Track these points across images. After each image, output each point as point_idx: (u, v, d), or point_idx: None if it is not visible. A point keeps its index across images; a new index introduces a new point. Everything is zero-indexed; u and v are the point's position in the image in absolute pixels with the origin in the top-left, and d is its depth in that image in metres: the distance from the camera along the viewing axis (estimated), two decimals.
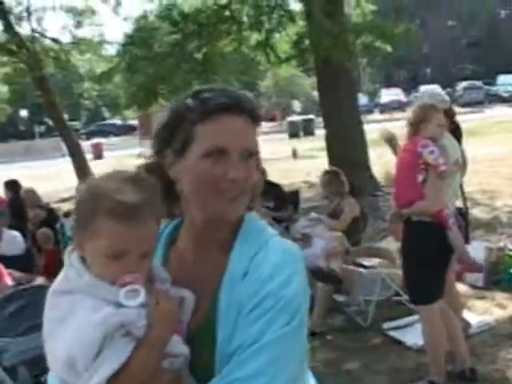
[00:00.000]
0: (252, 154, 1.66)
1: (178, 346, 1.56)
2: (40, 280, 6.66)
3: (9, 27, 20.98)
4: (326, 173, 7.88)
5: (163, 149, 1.70)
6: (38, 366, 3.55)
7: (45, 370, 3.50)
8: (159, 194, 1.62)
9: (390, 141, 5.69)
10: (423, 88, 44.92)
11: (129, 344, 1.46)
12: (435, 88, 38.42)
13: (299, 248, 1.71)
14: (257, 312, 1.56)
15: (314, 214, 7.84)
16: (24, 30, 22.57)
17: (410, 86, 60.65)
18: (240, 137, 1.63)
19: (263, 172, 6.68)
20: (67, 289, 1.54)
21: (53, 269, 8.11)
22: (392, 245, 7.13)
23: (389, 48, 16.56)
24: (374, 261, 7.08)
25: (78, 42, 24.84)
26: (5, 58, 22.74)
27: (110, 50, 30.99)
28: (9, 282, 6.10)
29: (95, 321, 1.44)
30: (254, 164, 1.68)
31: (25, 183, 11.70)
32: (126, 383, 1.45)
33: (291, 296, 1.57)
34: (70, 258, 1.59)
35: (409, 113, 5.13)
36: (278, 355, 1.53)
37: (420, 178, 4.83)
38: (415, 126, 4.93)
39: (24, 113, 56.13)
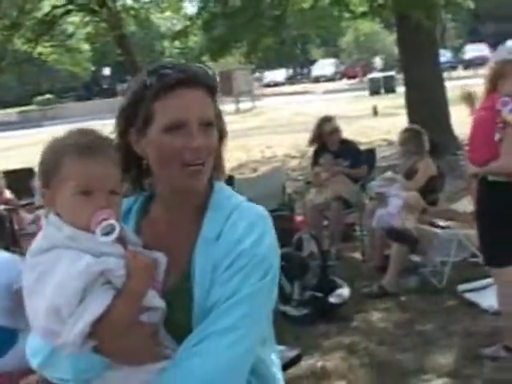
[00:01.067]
0: (210, 123, 1.72)
1: (155, 300, 1.64)
2: None
3: None
4: (406, 130, 7.73)
5: (128, 128, 1.76)
6: None
7: None
8: (113, 145, 1.72)
9: (468, 99, 5.50)
10: (510, 42, 43.42)
11: (109, 292, 1.55)
12: None
13: (265, 210, 1.79)
14: (232, 270, 1.65)
15: (389, 174, 7.73)
16: None
17: (496, 41, 58.70)
18: (197, 108, 1.70)
19: (336, 129, 6.54)
20: (46, 247, 1.60)
21: None
22: (471, 205, 6.96)
23: (470, 4, 16.07)
24: (451, 222, 6.94)
25: (157, 0, 24.99)
26: (87, 18, 23.12)
27: (190, 9, 30.95)
28: None
29: (77, 269, 1.52)
30: (213, 133, 1.74)
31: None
32: (107, 329, 1.55)
33: (264, 254, 1.67)
34: (48, 219, 1.67)
35: (486, 68, 4.95)
36: (252, 310, 1.63)
37: (497, 136, 4.65)
38: (492, 83, 4.73)
39: (106, 71, 57.11)
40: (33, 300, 1.60)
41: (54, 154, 1.66)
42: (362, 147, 10.12)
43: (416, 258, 7.05)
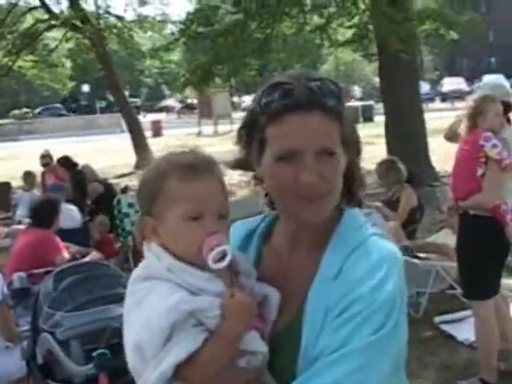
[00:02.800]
0: (332, 152, 1.51)
1: (256, 343, 1.49)
2: (94, 254, 6.75)
3: (75, 3, 21.26)
4: (383, 163, 7.79)
5: (248, 148, 1.62)
6: (90, 341, 3.60)
7: (97, 346, 3.56)
8: (218, 165, 1.59)
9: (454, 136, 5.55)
10: (486, 77, 44.03)
11: (200, 334, 1.42)
12: (498, 77, 37.57)
13: (398, 249, 1.57)
14: (345, 316, 1.45)
15: (369, 203, 7.76)
16: (89, 6, 22.90)
17: (473, 75, 59.53)
18: (312, 135, 1.48)
19: None
20: (146, 275, 1.51)
21: (105, 247, 8.30)
22: (449, 237, 7.01)
23: (454, 35, 16.29)
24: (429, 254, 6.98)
25: (141, 20, 25.06)
26: (69, 34, 23.10)
27: (173, 30, 31.10)
28: (66, 255, 6.19)
29: (166, 306, 1.40)
30: (336, 163, 1.53)
31: (85, 158, 11.93)
32: (193, 375, 1.41)
33: (383, 300, 1.44)
34: (149, 246, 1.56)
35: (466, 105, 5.02)
36: (362, 365, 1.41)
37: (479, 171, 4.73)
38: (472, 120, 4.83)
39: (86, 88, 56.94)
40: (125, 329, 1.51)
41: (158, 178, 1.53)
42: None
43: None
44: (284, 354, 1.51)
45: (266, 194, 1.70)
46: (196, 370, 1.41)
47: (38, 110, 59.21)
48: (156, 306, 1.41)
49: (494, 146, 4.66)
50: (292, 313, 1.54)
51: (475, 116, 4.81)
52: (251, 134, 1.58)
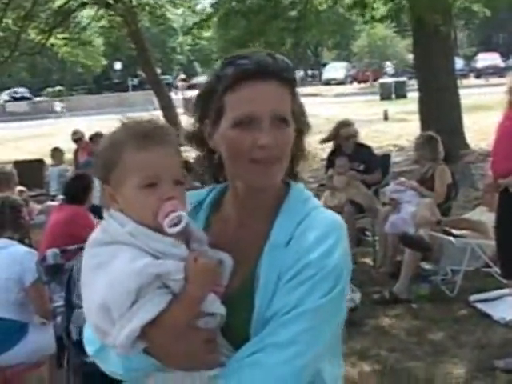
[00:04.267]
0: (284, 119, 1.62)
1: (215, 305, 1.56)
2: None
3: None
4: (421, 136, 7.71)
5: (203, 118, 1.70)
6: None
7: None
8: (173, 133, 1.65)
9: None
10: None
11: (164, 296, 1.49)
12: None
13: (342, 219, 1.69)
14: (297, 280, 1.56)
15: (402, 179, 7.68)
16: None
17: (508, 51, 58.57)
18: (269, 102, 1.60)
19: (354, 135, 6.48)
20: (107, 240, 1.55)
21: None
22: (485, 215, 6.92)
23: (487, 12, 16.02)
24: (464, 231, 6.89)
25: None
26: (101, 11, 23.14)
27: (204, 6, 30.95)
28: None
29: (133, 270, 1.46)
30: (288, 130, 1.64)
31: None
32: (157, 335, 1.49)
33: (333, 265, 1.57)
34: (110, 212, 1.62)
35: (509, 79, 4.91)
36: (314, 325, 1.54)
37: None
38: None
39: (118, 65, 57.04)
40: (86, 292, 1.56)
41: (113, 148, 1.59)
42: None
43: (427, 266, 7.00)
44: (237, 316, 1.59)
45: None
46: (160, 331, 1.48)
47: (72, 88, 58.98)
48: (123, 268, 1.47)
49: None
50: (243, 277, 1.64)
51: None
52: (208, 103, 1.66)
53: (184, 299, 1.49)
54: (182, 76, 58.24)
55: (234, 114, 1.60)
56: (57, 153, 12.54)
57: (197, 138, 1.74)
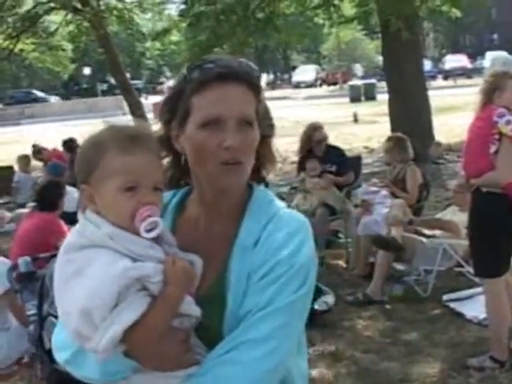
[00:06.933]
0: (249, 122, 1.66)
1: (191, 307, 1.59)
2: None
3: None
4: (390, 139, 7.75)
5: (170, 121, 1.73)
6: None
7: None
8: (155, 138, 1.68)
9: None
10: (489, 54, 43.83)
11: (144, 298, 1.50)
12: (502, 54, 37.32)
13: (307, 218, 1.73)
14: (268, 278, 1.60)
15: (374, 181, 7.72)
16: None
17: (475, 53, 59.23)
18: (235, 105, 1.64)
19: (325, 138, 6.48)
20: (84, 244, 1.55)
21: None
22: (456, 215, 6.98)
23: (457, 12, 16.17)
24: (436, 231, 6.94)
25: (141, 1, 24.90)
26: (69, 16, 22.98)
27: (172, 11, 30.90)
28: None
29: (113, 273, 1.47)
30: (253, 133, 1.68)
31: None
32: (141, 337, 1.50)
33: (301, 263, 1.61)
34: (85, 215, 1.62)
35: (483, 80, 4.94)
36: (286, 321, 1.58)
37: (492, 148, 4.65)
38: (488, 95, 4.75)
39: (87, 71, 56.68)
40: (64, 298, 1.55)
41: (96, 148, 1.59)
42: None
43: (400, 266, 7.03)
44: (209, 316, 1.62)
45: None
46: (142, 333, 1.49)
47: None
48: (102, 272, 1.47)
49: (508, 122, 4.58)
50: (213, 278, 1.67)
51: (492, 91, 4.74)
52: (176, 105, 1.69)
53: (163, 301, 1.51)
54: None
55: (200, 116, 1.63)
56: (23, 160, 12.53)
57: (164, 142, 1.74)
